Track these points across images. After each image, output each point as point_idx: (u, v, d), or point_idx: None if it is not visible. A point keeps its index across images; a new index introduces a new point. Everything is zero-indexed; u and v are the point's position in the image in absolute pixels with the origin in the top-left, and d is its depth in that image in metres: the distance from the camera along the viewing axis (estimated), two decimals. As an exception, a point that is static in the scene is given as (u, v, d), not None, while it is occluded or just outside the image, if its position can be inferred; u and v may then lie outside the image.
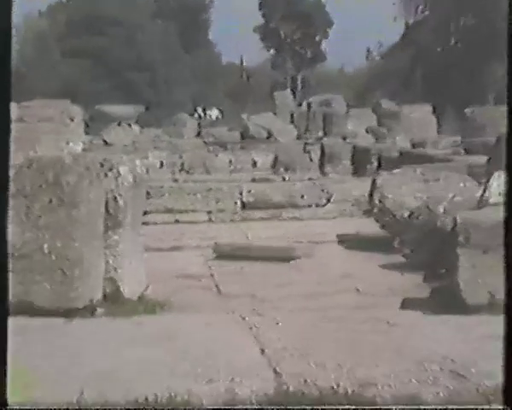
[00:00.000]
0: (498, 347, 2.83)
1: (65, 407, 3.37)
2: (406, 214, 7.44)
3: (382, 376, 3.72)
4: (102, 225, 5.08)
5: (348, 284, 6.17)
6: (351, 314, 4.99)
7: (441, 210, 6.86)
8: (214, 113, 32.31)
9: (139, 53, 36.19)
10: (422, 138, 17.03)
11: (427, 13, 37.95)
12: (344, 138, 18.87)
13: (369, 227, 8.21)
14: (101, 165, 5.19)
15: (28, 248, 4.84)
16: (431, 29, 35.81)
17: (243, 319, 4.85)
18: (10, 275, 3.00)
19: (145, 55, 36.36)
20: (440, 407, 3.43)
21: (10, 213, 2.86)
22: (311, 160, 16.15)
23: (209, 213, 10.05)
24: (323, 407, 3.41)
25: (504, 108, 2.79)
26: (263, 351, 4.14)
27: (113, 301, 5.01)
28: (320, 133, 20.24)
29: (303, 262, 7.15)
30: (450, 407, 3.44)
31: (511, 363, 2.68)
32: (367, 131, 19.80)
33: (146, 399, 3.44)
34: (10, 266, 3.03)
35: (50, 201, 4.93)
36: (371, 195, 8.14)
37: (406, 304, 5.29)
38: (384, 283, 6.19)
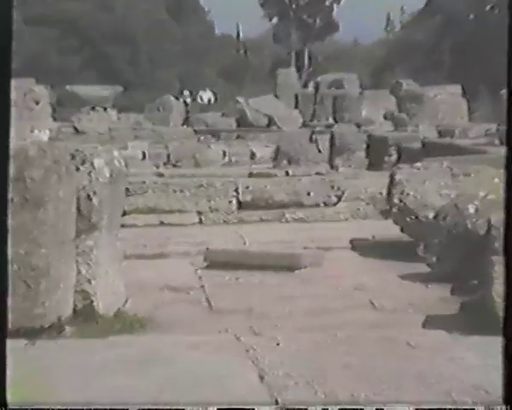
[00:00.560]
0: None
1: (65, 407, 3.47)
2: (431, 215, 7.44)
3: (403, 409, 3.71)
4: (74, 228, 5.07)
5: (362, 299, 6.17)
6: (365, 334, 4.98)
7: (472, 210, 6.86)
8: (206, 95, 32.35)
9: (117, 22, 36.05)
10: (450, 126, 17.07)
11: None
12: (358, 126, 18.91)
13: (388, 230, 8.21)
14: (72, 157, 5.19)
15: (-15, 256, 4.83)
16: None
17: (238, 339, 4.84)
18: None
19: (124, 24, 36.22)
20: (440, 407, 3.57)
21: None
22: (319, 151, 16.16)
23: (199, 213, 10.06)
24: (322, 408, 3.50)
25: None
26: (262, 378, 4.13)
27: (86, 318, 5.01)
28: (330, 120, 20.27)
29: (309, 272, 7.15)
30: (450, 406, 3.59)
31: (511, 363, 2.83)
32: (385, 118, 19.83)
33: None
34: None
35: (11, 200, 4.92)
36: (389, 192, 8.15)
37: (430, 322, 5.29)
38: (404, 297, 6.19)
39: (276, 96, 21.95)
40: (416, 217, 7.74)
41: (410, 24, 40.12)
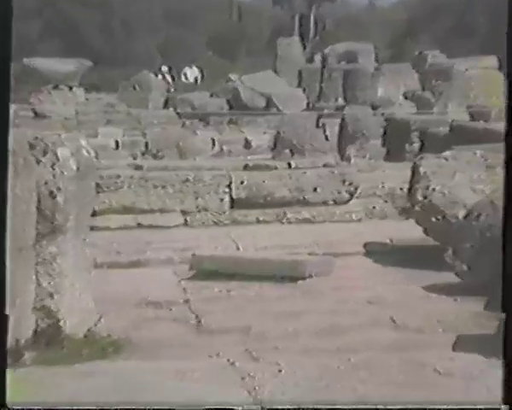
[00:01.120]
0: None
1: (65, 407, 3.66)
2: (461, 215, 7.46)
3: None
4: (33, 231, 5.07)
5: (380, 315, 6.17)
6: (385, 359, 4.99)
7: (511, 209, 6.87)
8: (192, 73, 32.34)
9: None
10: (485, 107, 17.06)
11: None
12: (373, 108, 18.90)
13: (409, 233, 8.23)
14: (32, 146, 5.19)
15: None
16: None
17: (233, 364, 4.85)
18: None
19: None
20: (440, 407, 3.76)
21: None
22: (326, 138, 16.17)
23: (184, 213, 10.06)
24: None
25: None
26: (260, 411, 4.14)
27: (49, 341, 5.01)
28: (340, 100, 20.27)
29: (316, 283, 7.16)
30: (450, 407, 3.77)
31: (511, 363, 3.11)
32: (406, 97, 19.83)
33: None
34: None
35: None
36: (411, 187, 8.16)
37: (462, 343, 5.30)
38: (430, 312, 6.20)
39: (276, 72, 21.97)
40: (444, 217, 7.76)
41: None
